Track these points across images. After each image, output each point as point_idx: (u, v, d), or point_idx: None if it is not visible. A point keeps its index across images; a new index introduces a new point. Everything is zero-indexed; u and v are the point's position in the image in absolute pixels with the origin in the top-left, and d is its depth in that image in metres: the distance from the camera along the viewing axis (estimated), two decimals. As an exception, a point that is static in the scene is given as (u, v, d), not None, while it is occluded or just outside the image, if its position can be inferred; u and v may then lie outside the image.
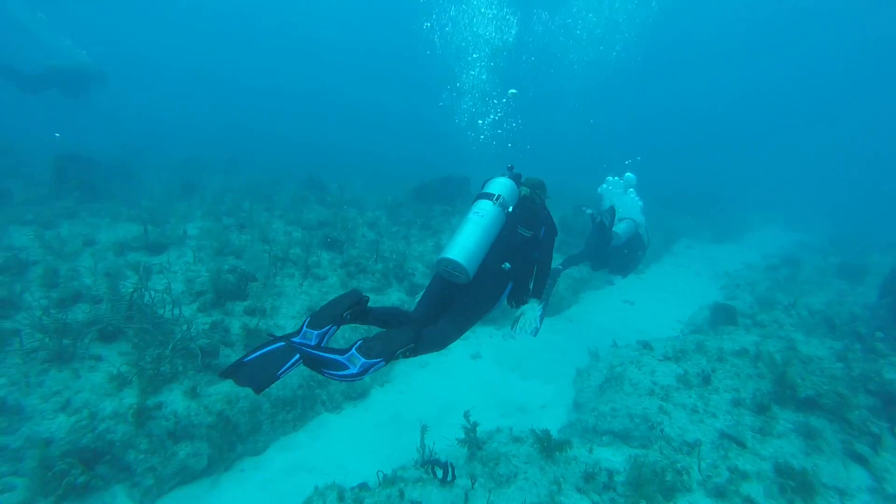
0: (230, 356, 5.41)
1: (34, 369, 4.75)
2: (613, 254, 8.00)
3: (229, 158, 19.63)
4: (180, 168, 16.74)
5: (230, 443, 4.77)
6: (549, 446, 4.56)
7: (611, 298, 10.86)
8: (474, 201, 3.81)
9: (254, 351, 2.71)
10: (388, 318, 3.36)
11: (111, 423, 4.28)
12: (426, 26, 17.75)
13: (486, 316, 3.75)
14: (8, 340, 5.03)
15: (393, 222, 11.86)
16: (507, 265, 3.64)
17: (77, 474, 3.93)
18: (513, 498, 3.99)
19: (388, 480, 4.03)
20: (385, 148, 28.15)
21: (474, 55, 16.20)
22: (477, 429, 4.98)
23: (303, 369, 3.69)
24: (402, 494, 3.83)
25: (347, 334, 6.52)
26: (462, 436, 5.00)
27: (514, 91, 14.47)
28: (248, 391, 5.08)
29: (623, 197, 9.00)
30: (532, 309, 3.94)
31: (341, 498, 3.85)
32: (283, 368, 2.62)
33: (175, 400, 4.69)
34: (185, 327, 5.45)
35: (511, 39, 16.58)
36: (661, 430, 5.08)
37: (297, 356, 2.65)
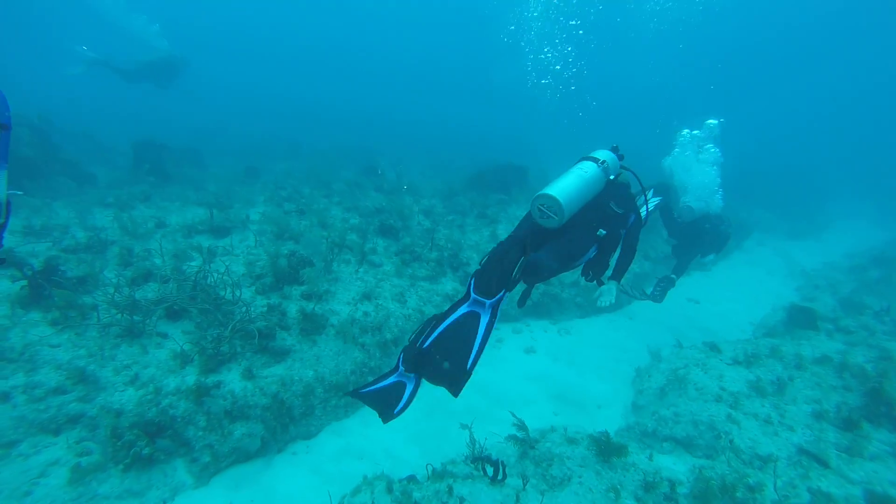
0: (286, 339, 5.51)
1: (108, 343, 5.02)
2: (693, 232, 7.50)
3: (291, 143, 20.17)
4: (246, 153, 17.37)
5: (283, 425, 4.86)
6: (606, 450, 4.34)
7: (674, 296, 10.24)
8: (578, 161, 3.83)
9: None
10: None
11: (173, 399, 4.45)
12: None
13: (558, 274, 3.76)
14: (88, 315, 5.37)
15: (448, 210, 11.75)
16: (603, 231, 3.67)
17: (142, 446, 4.12)
18: (566, 502, 3.82)
19: (437, 475, 3.95)
20: (444, 134, 28.02)
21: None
22: (529, 427, 4.84)
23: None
24: (450, 490, 3.75)
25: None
26: (513, 432, 4.87)
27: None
28: (302, 374, 5.16)
29: (693, 170, 8.26)
30: (609, 291, 4.10)
31: (389, 489, 3.82)
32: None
33: (233, 380, 4.82)
34: (244, 309, 5.60)
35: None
36: (730, 441, 4.72)
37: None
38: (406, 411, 4.44)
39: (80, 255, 6.63)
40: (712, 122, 8.26)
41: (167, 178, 11.62)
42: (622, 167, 4.06)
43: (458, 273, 8.32)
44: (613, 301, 4.10)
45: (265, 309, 5.82)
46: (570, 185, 3.55)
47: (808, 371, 5.69)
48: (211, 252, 7.15)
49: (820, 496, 3.95)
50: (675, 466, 4.47)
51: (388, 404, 3.11)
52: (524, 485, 3.92)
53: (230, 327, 5.18)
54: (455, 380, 2.94)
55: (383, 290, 6.97)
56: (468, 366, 2.92)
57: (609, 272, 4.08)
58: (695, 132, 8.26)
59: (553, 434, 4.77)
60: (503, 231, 9.89)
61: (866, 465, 4.28)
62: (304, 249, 7.47)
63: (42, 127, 11.87)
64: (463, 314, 3.11)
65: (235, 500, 4.19)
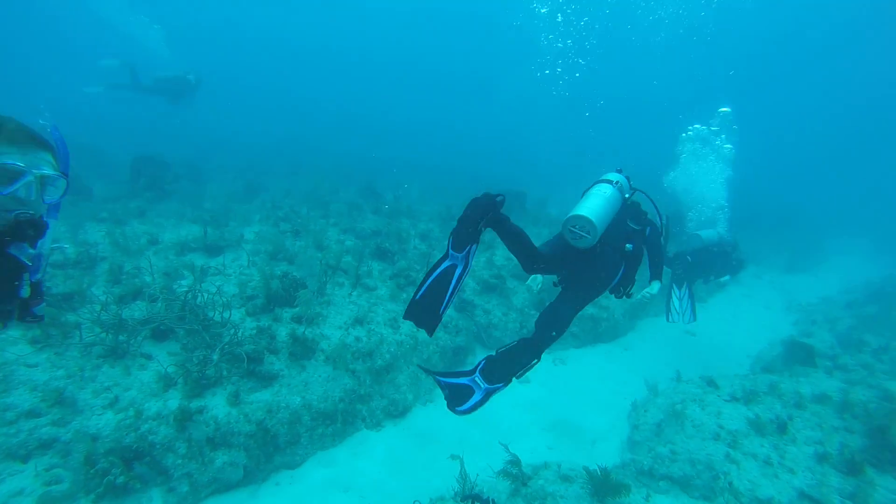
0: (274, 363, 5.36)
1: (90, 363, 4.86)
2: (706, 256, 7.76)
3: (293, 162, 20.19)
4: (245, 170, 17.35)
5: (267, 454, 4.69)
6: (602, 490, 4.18)
7: (671, 327, 10.12)
8: (592, 185, 4.09)
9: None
10: (518, 241, 3.58)
11: (153, 425, 4.28)
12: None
13: (595, 299, 4.16)
14: (70, 333, 5.21)
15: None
16: (630, 246, 3.97)
17: (117, 473, 3.94)
18: (558, 546, 3.65)
19: (425, 512, 3.78)
20: (447, 151, 28.19)
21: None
22: (522, 461, 4.68)
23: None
24: (438, 530, 3.58)
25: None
26: (506, 466, 4.71)
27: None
28: (288, 401, 5.00)
29: (698, 183, 8.27)
30: (653, 287, 4.43)
31: (374, 526, 3.64)
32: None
33: (217, 405, 4.66)
34: (232, 331, 5.47)
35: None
36: (729, 483, 4.56)
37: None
38: (396, 441, 4.81)
39: (67, 271, 6.50)
40: (725, 109, 8.14)
41: (165, 194, 11.54)
42: (632, 188, 4.31)
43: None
44: (655, 292, 4.44)
45: (254, 332, 5.68)
46: (596, 205, 3.78)
47: (807, 410, 5.56)
48: (203, 271, 7.04)
49: (824, 546, 3.80)
50: (672, 509, 4.32)
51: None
52: (515, 526, 3.75)
53: (217, 350, 5.04)
54: (430, 324, 3.45)
55: (376, 314, 6.85)
56: (440, 309, 3.38)
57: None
58: (702, 128, 8.14)
59: (546, 471, 4.61)
60: (500, 256, 9.82)
61: (871, 514, 4.13)
62: (297, 271, 7.36)
63: None
64: (446, 267, 3.45)
65: (212, 533, 4.00)
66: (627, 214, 4.19)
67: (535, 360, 3.79)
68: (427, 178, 20.38)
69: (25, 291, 2.08)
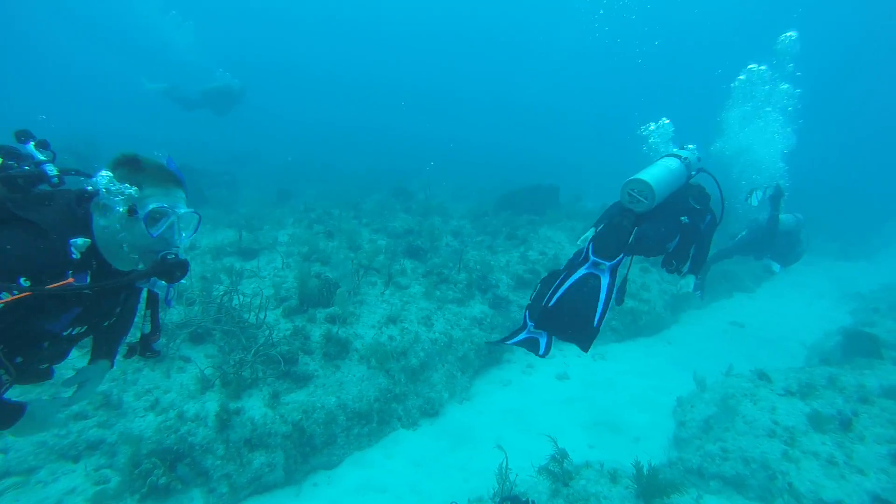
0: (308, 364, 5.36)
1: (131, 366, 4.97)
2: (778, 238, 7.64)
3: (325, 166, 20.45)
4: (279, 176, 17.68)
5: (304, 454, 4.67)
6: (650, 489, 3.97)
7: (716, 319, 9.74)
8: (660, 157, 4.14)
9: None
10: None
11: (192, 426, 4.33)
12: None
13: (654, 254, 4.16)
14: (113, 337, 5.35)
15: (478, 231, 11.56)
16: (685, 219, 3.98)
17: (159, 475, 3.99)
18: (604, 550, 3.47)
19: (463, 514, 3.67)
20: (476, 153, 27.97)
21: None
22: (566, 459, 4.51)
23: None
24: (477, 532, 3.46)
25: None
26: (544, 463, 4.54)
27: None
28: (324, 401, 4.98)
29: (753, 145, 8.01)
30: (688, 283, 4.39)
31: (412, 529, 3.56)
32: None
33: (253, 406, 4.68)
34: (267, 333, 5.49)
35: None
36: (789, 483, 4.26)
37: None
38: (432, 440, 4.62)
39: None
40: (790, 34, 7.53)
41: (203, 201, 11.86)
42: (700, 169, 4.32)
43: (486, 295, 8.07)
44: (692, 290, 4.40)
45: (289, 332, 5.70)
46: (658, 173, 3.82)
47: (875, 405, 5.16)
48: (238, 274, 7.13)
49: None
50: (726, 511, 4.06)
51: (530, 350, 3.75)
52: (558, 529, 3.59)
53: (252, 352, 5.06)
54: (584, 337, 3.42)
55: (409, 312, 6.78)
56: (595, 323, 3.33)
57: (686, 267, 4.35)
58: (760, 68, 7.66)
59: (588, 470, 4.42)
60: (533, 252, 9.61)
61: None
62: (331, 272, 7.38)
63: (87, 154, 12.37)
64: (583, 275, 3.46)
65: (252, 535, 4.00)
66: (690, 194, 4.15)
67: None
68: (458, 177, 20.28)
69: (147, 327, 2.13)
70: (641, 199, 3.74)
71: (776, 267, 7.80)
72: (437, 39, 51.39)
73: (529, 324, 3.74)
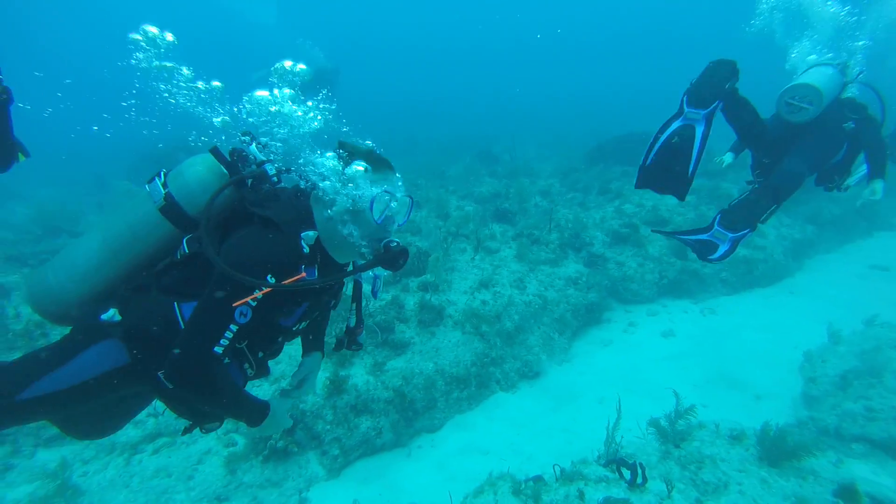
0: (405, 332, 5.50)
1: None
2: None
3: (407, 138, 20.66)
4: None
5: (407, 419, 4.84)
6: (775, 452, 3.61)
7: (851, 263, 8.51)
8: (809, 67, 3.86)
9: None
10: (750, 110, 3.53)
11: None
12: None
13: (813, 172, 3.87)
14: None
15: (568, 188, 11.09)
16: (852, 124, 3.67)
17: (277, 438, 4.34)
18: (725, 517, 3.23)
19: (567, 476, 3.59)
20: (560, 109, 26.79)
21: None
22: (677, 420, 4.23)
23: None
24: (581, 495, 3.37)
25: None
26: (654, 424, 4.30)
27: None
28: (422, 367, 5.10)
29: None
30: (875, 186, 3.90)
31: (516, 491, 3.55)
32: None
33: (357, 374, 4.91)
34: (364, 303, 5.70)
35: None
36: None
37: None
38: (532, 402, 5.32)
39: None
40: None
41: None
42: (860, 83, 4.01)
43: (580, 254, 7.74)
44: (880, 195, 3.87)
45: (384, 303, 5.87)
46: (819, 78, 3.55)
47: None
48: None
49: None
50: (877, 477, 3.59)
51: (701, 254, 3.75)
52: (669, 491, 3.39)
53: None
54: (679, 186, 3.41)
55: (501, 276, 6.69)
56: (689, 172, 3.28)
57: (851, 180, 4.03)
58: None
59: (702, 431, 4.12)
60: (629, 206, 9.01)
61: None
62: (421, 241, 7.47)
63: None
64: (678, 128, 3.36)
65: (364, 493, 4.24)
66: (844, 105, 3.78)
67: (776, 206, 3.54)
68: (546, 133, 19.51)
69: (352, 320, 2.16)
70: (805, 105, 3.50)
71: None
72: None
73: (717, 228, 3.56)
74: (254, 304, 1.63)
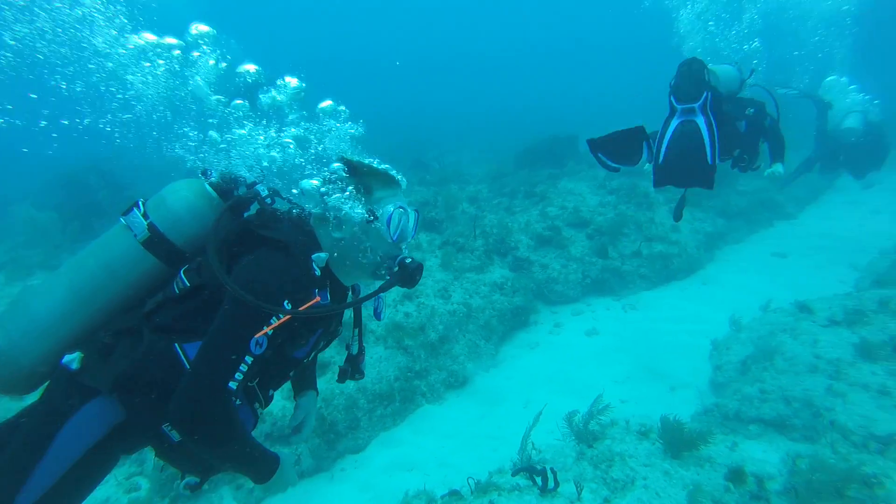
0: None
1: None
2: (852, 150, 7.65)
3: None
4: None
5: (328, 441, 4.72)
6: (676, 443, 3.78)
7: (756, 253, 9.15)
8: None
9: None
10: None
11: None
12: None
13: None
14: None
15: (495, 193, 11.27)
16: (752, 110, 4.02)
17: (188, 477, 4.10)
18: (630, 512, 3.33)
19: (481, 488, 3.60)
20: (493, 117, 27.21)
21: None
22: (590, 420, 4.35)
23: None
24: (494, 505, 3.39)
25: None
26: (571, 424, 4.40)
27: None
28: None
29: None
30: (776, 169, 4.39)
31: (431, 507, 3.53)
32: None
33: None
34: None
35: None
36: (831, 422, 3.97)
37: None
38: (459, 413, 5.32)
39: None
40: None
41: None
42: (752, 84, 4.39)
43: (506, 259, 7.88)
44: (782, 172, 4.35)
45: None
46: (718, 68, 3.95)
47: (931, 327, 4.72)
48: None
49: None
50: (766, 456, 3.82)
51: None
52: (578, 493, 3.47)
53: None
54: (704, 176, 3.55)
55: (425, 287, 6.68)
56: (710, 160, 3.43)
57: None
58: None
59: (614, 428, 4.25)
60: (553, 208, 9.25)
61: None
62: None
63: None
64: (678, 125, 3.51)
65: (283, 524, 4.09)
66: (743, 102, 4.15)
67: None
68: (479, 140, 19.76)
69: (354, 347, 2.06)
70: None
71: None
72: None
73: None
74: (270, 333, 1.49)
